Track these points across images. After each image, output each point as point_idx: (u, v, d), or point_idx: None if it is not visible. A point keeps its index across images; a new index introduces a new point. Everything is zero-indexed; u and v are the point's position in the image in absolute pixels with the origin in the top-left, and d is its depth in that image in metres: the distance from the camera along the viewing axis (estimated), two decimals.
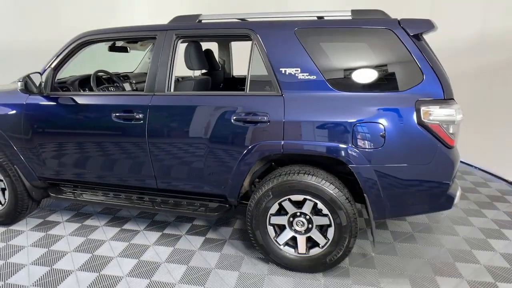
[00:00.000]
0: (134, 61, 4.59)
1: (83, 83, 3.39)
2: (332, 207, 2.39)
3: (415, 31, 2.26)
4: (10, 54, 6.39)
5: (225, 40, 4.17)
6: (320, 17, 2.66)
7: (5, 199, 3.20)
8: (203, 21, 2.74)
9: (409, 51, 2.24)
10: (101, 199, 3.01)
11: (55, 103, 2.87)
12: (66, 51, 2.92)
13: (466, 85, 4.17)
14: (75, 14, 6.17)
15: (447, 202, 2.36)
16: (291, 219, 2.55)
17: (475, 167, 4.81)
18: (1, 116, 3.02)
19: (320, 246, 2.51)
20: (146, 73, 4.40)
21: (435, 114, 2.17)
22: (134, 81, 4.03)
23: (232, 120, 2.46)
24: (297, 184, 2.41)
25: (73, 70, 3.31)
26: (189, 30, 2.69)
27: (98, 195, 3.06)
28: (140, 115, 2.64)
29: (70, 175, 3.02)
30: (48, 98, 2.89)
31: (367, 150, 2.26)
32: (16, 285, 2.48)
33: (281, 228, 2.60)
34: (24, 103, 2.94)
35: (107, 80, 3.69)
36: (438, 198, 2.33)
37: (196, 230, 3.23)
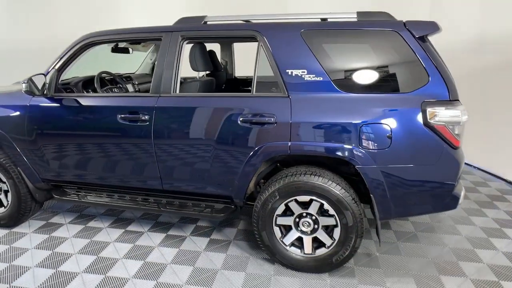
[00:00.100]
0: (132, 61, 4.57)
1: (87, 84, 3.38)
2: (338, 208, 2.40)
3: (421, 33, 2.29)
4: (9, 54, 6.36)
5: (228, 41, 4.17)
6: (323, 19, 2.68)
7: (7, 201, 3.19)
8: (208, 22, 2.74)
9: (414, 53, 2.27)
10: (106, 200, 3.00)
11: (59, 105, 2.86)
12: (70, 52, 2.91)
13: (464, 85, 4.20)
14: (74, 14, 6.14)
15: (452, 202, 2.38)
16: (297, 219, 2.56)
17: (474, 167, 4.86)
18: (4, 118, 3.00)
19: (326, 246, 2.53)
20: (148, 74, 4.44)
21: (441, 115, 2.19)
22: (136, 82, 4.03)
23: (239, 122, 2.47)
24: (304, 185, 2.42)
25: (72, 70, 3.29)
26: (195, 31, 2.70)
27: (103, 196, 3.05)
28: (146, 117, 2.64)
29: (74, 177, 3.01)
30: (52, 99, 2.88)
31: (373, 151, 2.28)
32: (21, 287, 2.48)
33: (287, 228, 2.62)
34: (28, 104, 2.93)
35: (110, 81, 3.69)
36: (444, 198, 2.36)
37: (200, 231, 3.23)
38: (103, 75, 3.59)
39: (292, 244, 2.61)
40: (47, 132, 2.91)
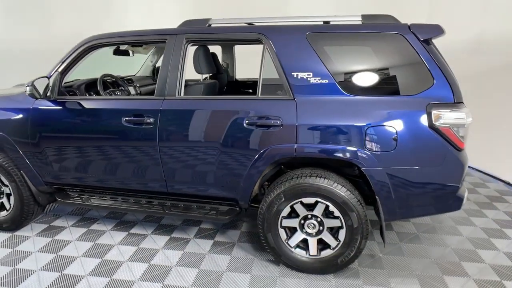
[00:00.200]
0: (130, 64, 4.55)
1: (89, 87, 3.37)
2: (344, 209, 2.42)
3: (425, 36, 2.32)
4: (9, 53, 6.32)
5: (231, 44, 4.18)
6: (326, 22, 2.70)
7: (10, 204, 3.17)
8: (212, 25, 2.75)
9: (419, 56, 2.29)
10: (109, 203, 3.00)
11: (63, 108, 2.85)
12: (74, 55, 2.90)
13: (463, 87, 4.24)
14: (72, 15, 6.12)
15: (456, 203, 2.41)
16: (302, 221, 2.58)
17: (473, 168, 4.91)
18: (6, 121, 2.98)
19: (332, 247, 2.54)
20: (149, 77, 4.43)
21: (446, 117, 2.22)
22: (138, 85, 4.02)
23: (245, 124, 2.48)
24: (309, 187, 2.44)
25: (72, 72, 3.28)
26: (200, 34, 2.71)
27: (107, 199, 3.04)
28: (151, 119, 2.64)
29: (78, 180, 3.00)
30: (56, 102, 2.88)
31: (379, 153, 2.30)
32: None
33: (292, 230, 2.63)
34: (31, 107, 2.92)
35: (112, 84, 3.68)
36: (448, 199, 2.39)
37: (204, 233, 3.23)
38: (106, 77, 3.59)
39: (298, 246, 2.62)
40: (50, 135, 2.90)
